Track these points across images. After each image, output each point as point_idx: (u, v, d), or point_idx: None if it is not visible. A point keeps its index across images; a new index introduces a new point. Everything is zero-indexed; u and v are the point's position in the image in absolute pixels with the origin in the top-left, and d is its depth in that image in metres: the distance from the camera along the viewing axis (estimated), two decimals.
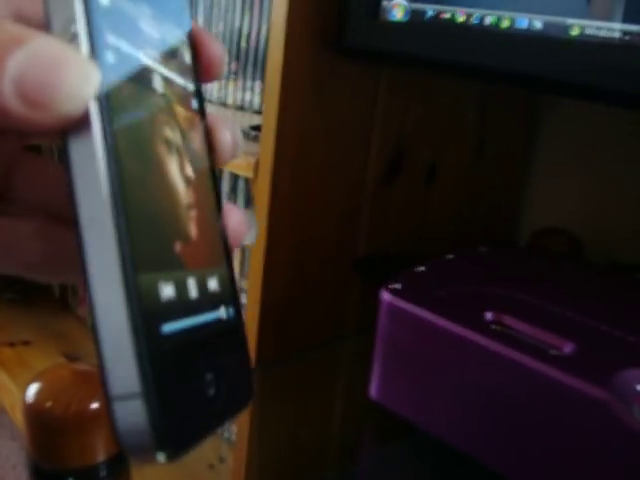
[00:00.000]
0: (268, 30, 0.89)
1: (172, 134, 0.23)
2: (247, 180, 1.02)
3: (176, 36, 0.25)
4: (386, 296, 0.49)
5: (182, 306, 0.22)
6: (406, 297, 0.48)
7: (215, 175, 0.26)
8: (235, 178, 1.03)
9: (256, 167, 0.65)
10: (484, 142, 0.87)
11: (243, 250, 1.02)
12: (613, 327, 0.47)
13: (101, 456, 0.44)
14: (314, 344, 0.73)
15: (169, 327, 0.21)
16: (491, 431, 0.46)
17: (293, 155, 0.65)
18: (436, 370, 0.47)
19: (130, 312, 0.19)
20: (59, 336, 1.48)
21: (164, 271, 0.21)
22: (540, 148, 0.96)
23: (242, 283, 1.05)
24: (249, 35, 1.07)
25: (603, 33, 0.49)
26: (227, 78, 1.11)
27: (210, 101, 1.16)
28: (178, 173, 0.23)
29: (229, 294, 0.25)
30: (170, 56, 0.25)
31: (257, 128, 0.77)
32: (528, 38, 0.51)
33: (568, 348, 0.44)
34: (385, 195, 0.76)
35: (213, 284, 0.24)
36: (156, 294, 0.20)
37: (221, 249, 0.25)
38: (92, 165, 0.20)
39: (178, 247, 0.22)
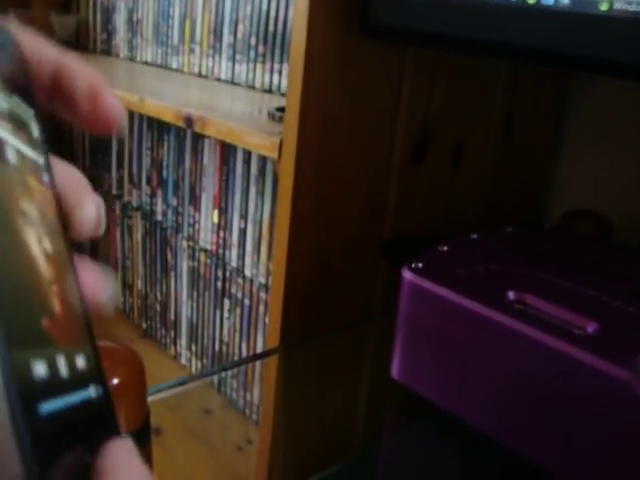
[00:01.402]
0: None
1: (28, 207, 0.23)
2: (275, 162, 1.02)
3: (23, 109, 0.25)
4: (408, 275, 0.49)
5: (54, 386, 0.21)
6: (428, 276, 0.48)
7: (72, 251, 0.25)
8: (264, 160, 1.03)
9: (280, 148, 0.65)
10: (512, 122, 0.86)
11: (270, 232, 1.03)
12: (636, 306, 0.46)
13: (123, 431, 0.45)
14: (339, 325, 0.72)
15: (44, 408, 0.20)
16: (512, 411, 0.45)
17: (317, 136, 0.65)
18: (457, 349, 0.47)
19: (9, 393, 0.19)
20: None
21: (35, 349, 0.21)
22: (570, 128, 0.95)
23: (269, 265, 1.06)
24: (276, 18, 1.07)
25: (633, 7, 0.48)
26: (255, 61, 1.12)
27: (238, 84, 1.16)
28: (37, 247, 0.23)
29: (96, 372, 0.24)
30: (19, 128, 0.24)
31: (282, 109, 0.77)
32: (555, 13, 0.50)
33: (591, 328, 0.43)
34: (411, 176, 0.76)
35: (81, 362, 0.23)
36: (30, 373, 0.20)
37: (84, 325, 0.25)
38: None
39: (45, 323, 0.22)
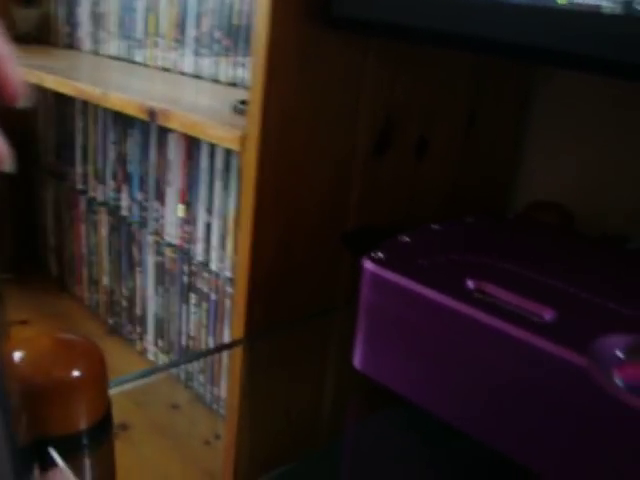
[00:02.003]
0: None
1: None
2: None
3: None
4: (368, 265, 0.50)
5: None
6: (388, 266, 0.49)
7: None
8: (228, 154, 1.03)
9: (243, 140, 0.65)
10: (476, 115, 0.87)
11: (236, 226, 1.03)
12: (595, 295, 0.47)
13: (83, 424, 0.45)
14: (303, 316, 0.73)
15: None
16: (473, 399, 0.46)
17: (280, 128, 0.65)
18: (418, 338, 0.48)
19: None
20: (56, 315, 1.49)
21: None
22: (533, 121, 0.96)
23: (235, 259, 1.05)
24: (240, 11, 1.07)
25: (591, 1, 0.49)
26: (219, 54, 1.11)
27: (203, 78, 1.16)
28: None
29: None
30: None
31: (246, 102, 0.77)
32: (516, 7, 0.51)
33: (549, 315, 0.44)
34: (375, 168, 0.76)
35: None
36: None
37: None
38: None
39: None
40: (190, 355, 1.18)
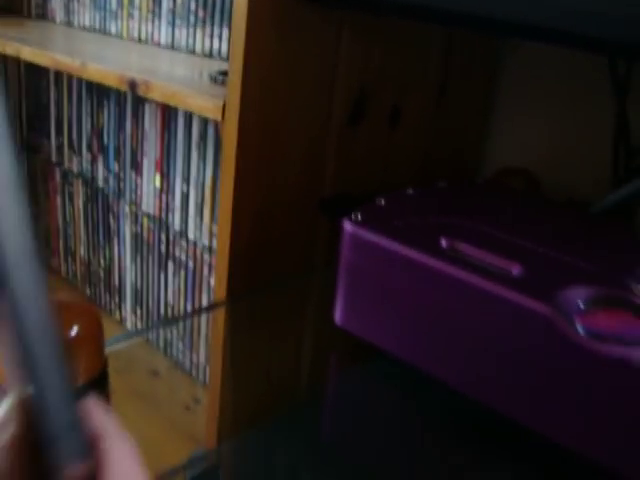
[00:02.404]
0: None
1: None
2: (217, 127, 1.04)
3: None
4: (348, 226, 0.53)
5: None
6: (366, 227, 0.52)
7: None
8: (205, 124, 1.05)
9: (223, 110, 0.67)
10: (446, 85, 0.89)
11: (213, 195, 1.05)
12: (559, 252, 0.50)
13: (81, 380, 0.47)
14: (283, 277, 0.75)
15: None
16: (447, 348, 0.49)
17: (259, 98, 0.67)
18: (395, 294, 0.51)
19: None
20: None
21: None
22: (501, 92, 0.99)
23: (212, 227, 1.08)
24: None
25: None
26: (195, 26, 1.12)
27: (179, 49, 1.17)
28: None
29: None
30: None
31: (224, 73, 0.79)
32: None
33: (516, 270, 0.47)
34: (350, 138, 0.79)
35: None
36: None
37: None
38: None
39: None
40: (172, 319, 1.20)
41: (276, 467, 0.50)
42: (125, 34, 1.28)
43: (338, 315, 0.55)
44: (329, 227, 0.80)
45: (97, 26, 1.35)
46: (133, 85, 0.78)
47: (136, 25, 1.25)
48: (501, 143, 1.00)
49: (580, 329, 0.43)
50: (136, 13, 1.24)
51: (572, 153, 0.91)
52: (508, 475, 0.48)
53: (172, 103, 0.74)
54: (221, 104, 0.67)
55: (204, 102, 0.70)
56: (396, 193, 0.58)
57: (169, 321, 1.20)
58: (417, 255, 0.49)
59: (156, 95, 0.76)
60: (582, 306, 0.44)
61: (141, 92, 0.77)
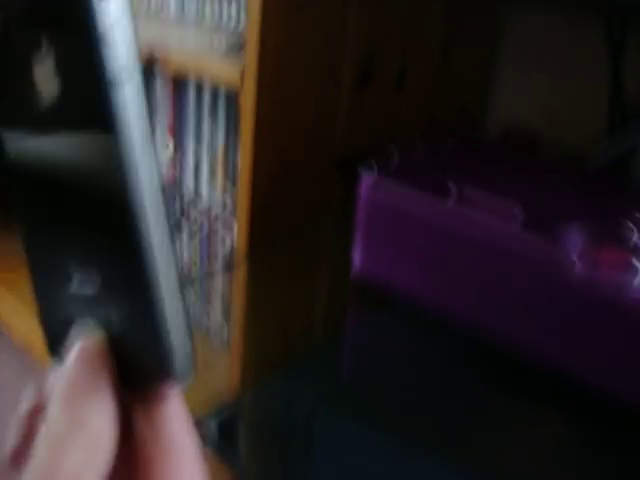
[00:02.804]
0: None
1: None
2: (228, 97, 1.07)
3: None
4: (366, 177, 0.57)
5: None
6: (383, 177, 0.56)
7: None
8: (215, 95, 1.08)
9: (242, 75, 0.72)
10: (450, 47, 0.93)
11: (225, 160, 1.09)
12: (560, 198, 0.55)
13: None
14: (299, 233, 0.80)
15: None
16: (458, 284, 0.54)
17: (274, 63, 0.72)
18: (410, 238, 0.56)
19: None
20: None
21: None
22: (503, 50, 1.03)
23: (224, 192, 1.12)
24: None
25: None
26: None
27: (187, 20, 1.20)
28: None
29: None
30: None
31: (239, 43, 0.83)
32: None
33: (520, 212, 0.52)
34: (359, 99, 0.83)
35: None
36: None
37: None
38: None
39: None
40: (199, 276, 1.25)
41: (298, 411, 0.54)
42: (135, 4, 1.31)
43: (357, 261, 0.60)
44: (341, 185, 0.84)
45: None
46: (152, 58, 0.82)
47: None
48: (502, 100, 1.04)
49: (579, 264, 0.48)
50: None
51: (570, 107, 0.96)
52: (520, 409, 0.53)
53: (192, 72, 0.78)
54: (239, 70, 0.71)
55: (223, 69, 0.74)
56: (408, 148, 0.63)
57: (188, 281, 1.24)
58: (430, 201, 0.53)
59: (176, 64, 0.80)
60: (580, 243, 0.49)
61: (161, 65, 0.81)
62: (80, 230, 0.27)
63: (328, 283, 0.74)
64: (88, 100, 0.25)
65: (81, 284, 0.27)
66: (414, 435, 0.49)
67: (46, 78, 0.25)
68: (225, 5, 1.14)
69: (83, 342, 0.26)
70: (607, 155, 0.72)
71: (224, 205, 1.14)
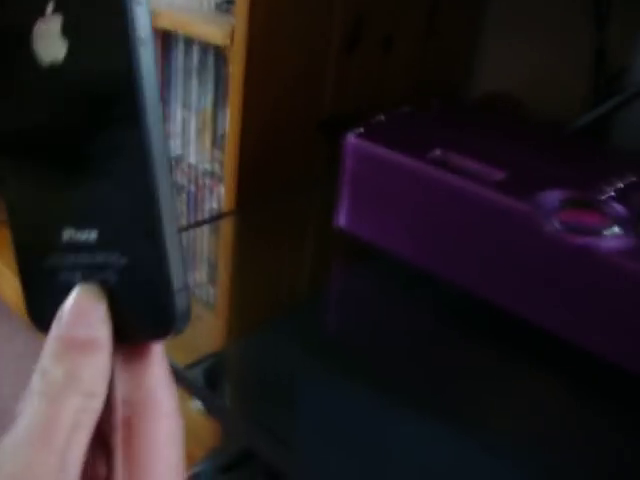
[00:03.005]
0: None
1: None
2: (216, 55, 1.08)
3: None
4: (351, 139, 0.59)
5: None
6: (368, 139, 0.58)
7: None
8: (204, 52, 1.09)
9: (232, 36, 0.72)
10: (436, 13, 0.94)
11: (213, 120, 1.10)
12: (539, 161, 0.57)
13: None
14: (284, 194, 0.82)
15: None
16: (440, 243, 0.56)
17: (264, 24, 0.72)
18: (393, 198, 0.57)
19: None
20: None
21: None
22: (488, 18, 1.04)
23: (213, 152, 1.13)
24: None
25: None
26: None
27: None
28: None
29: None
30: None
31: (229, 1, 0.84)
32: None
33: (500, 175, 0.53)
34: (346, 63, 0.84)
35: None
36: None
37: None
38: None
39: None
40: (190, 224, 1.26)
41: (282, 363, 0.55)
42: None
43: (341, 218, 0.62)
44: (327, 146, 0.86)
45: None
46: None
47: None
48: (487, 67, 1.05)
49: (556, 224, 0.50)
50: None
51: (554, 75, 0.97)
52: (503, 364, 0.55)
53: (181, 31, 0.79)
54: (229, 30, 0.72)
55: (213, 29, 0.75)
56: (394, 111, 0.64)
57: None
58: (414, 163, 0.55)
59: (166, 23, 0.80)
60: (557, 205, 0.51)
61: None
62: (79, 180, 0.27)
63: (314, 241, 0.76)
64: (106, 60, 0.25)
65: (73, 241, 0.27)
66: (398, 388, 0.51)
67: (49, 39, 0.26)
68: None
69: (81, 294, 0.26)
70: (588, 121, 0.74)
71: (212, 165, 1.15)
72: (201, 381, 0.49)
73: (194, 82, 1.12)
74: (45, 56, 0.26)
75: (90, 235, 0.26)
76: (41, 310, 0.27)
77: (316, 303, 0.63)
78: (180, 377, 0.48)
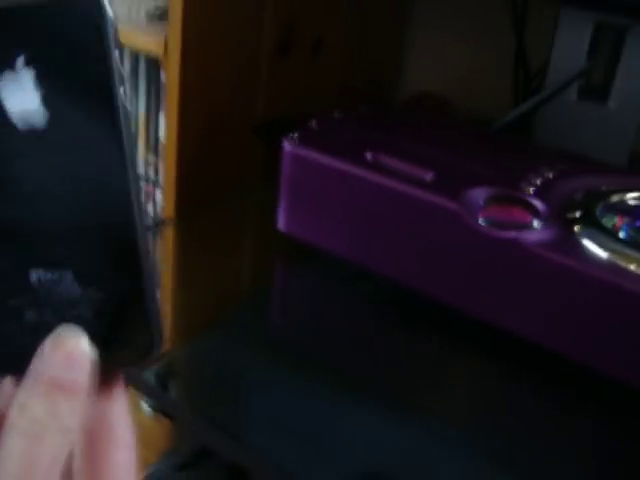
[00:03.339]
0: None
1: None
2: (149, 62, 1.09)
3: None
4: (287, 145, 0.61)
5: None
6: (303, 145, 0.60)
7: None
8: (136, 59, 1.09)
9: (165, 46, 0.74)
10: (363, 16, 0.98)
11: (146, 126, 1.11)
12: (466, 161, 0.60)
13: None
14: (223, 199, 0.84)
15: None
16: (376, 242, 0.59)
17: (197, 33, 0.74)
18: (330, 201, 0.60)
19: None
20: None
21: None
22: (414, 23, 1.08)
23: (147, 157, 1.14)
24: None
25: None
26: None
27: None
28: None
29: None
30: None
31: (162, 11, 0.85)
32: None
33: (429, 176, 0.57)
34: (278, 67, 0.87)
35: None
36: None
37: None
38: None
39: None
40: None
41: (230, 362, 0.57)
42: None
43: (282, 222, 0.64)
44: (263, 149, 0.88)
45: None
46: None
47: None
48: (414, 68, 1.09)
49: (481, 220, 0.53)
50: None
51: (478, 74, 1.02)
52: (431, 347, 0.59)
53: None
54: (162, 40, 0.74)
55: (147, 39, 0.76)
56: (325, 116, 0.67)
57: None
58: (348, 167, 0.58)
59: None
60: (482, 203, 0.54)
61: None
62: (49, 222, 0.26)
63: (255, 244, 0.78)
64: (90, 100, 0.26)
65: (43, 281, 0.26)
66: (344, 378, 0.54)
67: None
68: None
69: (62, 335, 0.26)
70: (511, 119, 0.78)
71: (146, 171, 1.16)
72: (153, 382, 0.51)
73: (127, 90, 1.12)
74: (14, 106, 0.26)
75: (62, 274, 0.26)
76: (4, 349, 0.27)
77: (261, 302, 0.66)
78: (133, 379, 0.50)
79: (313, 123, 0.65)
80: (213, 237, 0.76)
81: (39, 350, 0.26)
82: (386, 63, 1.07)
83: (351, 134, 0.64)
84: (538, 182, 0.58)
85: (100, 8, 0.26)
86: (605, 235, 0.50)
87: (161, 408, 0.51)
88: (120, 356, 0.27)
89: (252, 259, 0.75)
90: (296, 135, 0.62)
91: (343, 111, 0.69)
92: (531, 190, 0.57)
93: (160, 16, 0.84)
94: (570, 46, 0.76)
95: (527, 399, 0.54)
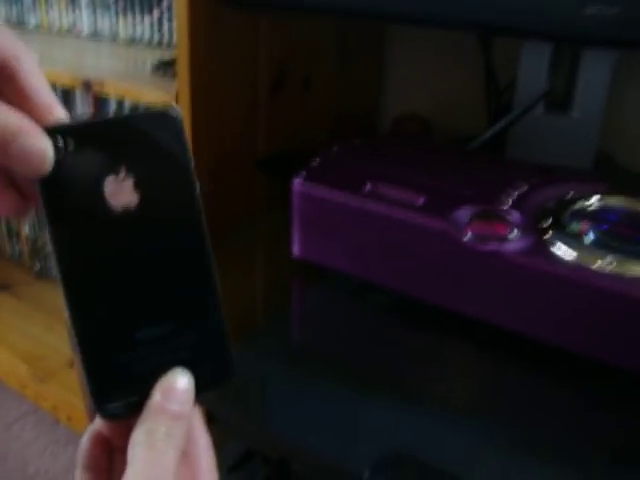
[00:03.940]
0: None
1: None
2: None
3: None
4: (297, 183, 0.70)
5: None
6: (310, 181, 0.70)
7: None
8: (136, 109, 1.17)
9: (176, 99, 0.83)
10: (347, 55, 1.07)
11: None
12: (450, 183, 0.69)
13: None
14: (235, 228, 0.92)
15: None
16: (380, 259, 0.68)
17: (202, 85, 0.83)
18: (337, 228, 0.69)
19: None
20: None
21: None
22: (394, 55, 1.17)
23: None
24: None
25: None
26: (117, 14, 1.24)
27: (101, 38, 1.28)
28: None
29: None
30: None
31: (165, 63, 0.94)
32: None
33: (420, 200, 0.66)
34: (274, 105, 0.96)
35: None
36: None
37: None
38: None
39: None
40: None
41: (258, 372, 0.63)
42: (45, 26, 1.37)
43: (296, 249, 0.73)
44: (266, 183, 0.97)
45: (14, 20, 1.42)
46: (88, 85, 0.92)
47: (57, 16, 1.34)
48: (395, 96, 1.19)
49: (467, 237, 0.62)
50: (54, 3, 1.32)
51: (454, 98, 1.11)
52: (434, 345, 0.67)
53: (128, 98, 0.88)
54: (173, 95, 0.83)
55: (157, 95, 0.85)
56: (324, 152, 0.76)
57: None
58: (350, 199, 0.67)
59: (110, 92, 0.90)
60: (467, 220, 0.63)
61: (95, 89, 0.91)
62: (154, 289, 0.34)
63: (268, 270, 0.86)
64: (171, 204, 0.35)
65: (147, 337, 0.33)
66: (365, 377, 0.61)
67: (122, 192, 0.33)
68: (139, 21, 1.23)
69: (174, 377, 0.35)
70: (486, 138, 0.87)
71: None
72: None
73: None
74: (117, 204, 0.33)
75: (165, 328, 0.34)
76: (109, 397, 0.33)
77: (283, 318, 0.73)
78: None
79: (316, 160, 0.74)
80: (229, 263, 0.84)
81: (156, 388, 0.35)
82: (369, 93, 1.17)
83: (350, 167, 0.73)
84: (515, 195, 0.67)
85: (178, 119, 0.35)
86: (572, 240, 0.60)
87: (213, 413, 0.59)
88: (208, 381, 0.36)
89: (270, 283, 0.83)
90: (303, 173, 0.71)
91: (339, 146, 0.78)
92: (509, 202, 0.66)
93: (166, 70, 0.92)
94: (533, 67, 0.86)
95: (512, 385, 0.62)
